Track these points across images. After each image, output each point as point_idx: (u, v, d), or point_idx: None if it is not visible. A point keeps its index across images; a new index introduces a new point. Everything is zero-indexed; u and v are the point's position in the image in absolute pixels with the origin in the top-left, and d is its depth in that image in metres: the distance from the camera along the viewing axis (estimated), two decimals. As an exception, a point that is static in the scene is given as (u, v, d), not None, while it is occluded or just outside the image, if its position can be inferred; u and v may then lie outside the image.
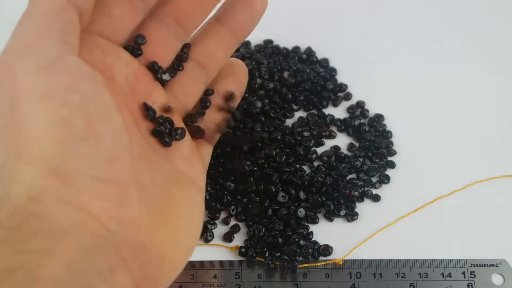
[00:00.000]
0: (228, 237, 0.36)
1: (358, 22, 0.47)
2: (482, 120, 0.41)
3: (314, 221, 0.36)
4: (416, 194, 0.38)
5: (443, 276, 0.34)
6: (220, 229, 0.37)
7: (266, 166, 0.37)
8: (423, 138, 0.40)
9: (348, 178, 0.38)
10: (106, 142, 0.22)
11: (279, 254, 0.35)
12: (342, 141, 0.41)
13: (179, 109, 0.30)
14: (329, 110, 0.42)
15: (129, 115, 0.26)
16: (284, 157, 0.38)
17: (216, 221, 0.37)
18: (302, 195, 0.37)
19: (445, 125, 0.41)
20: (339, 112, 0.42)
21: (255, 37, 0.45)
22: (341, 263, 0.35)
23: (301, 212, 0.36)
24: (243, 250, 0.35)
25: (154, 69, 0.29)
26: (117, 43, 0.27)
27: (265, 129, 0.39)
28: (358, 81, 0.43)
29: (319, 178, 0.37)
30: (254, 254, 0.35)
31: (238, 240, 0.36)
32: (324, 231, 0.36)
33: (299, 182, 0.37)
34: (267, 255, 0.35)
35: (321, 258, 0.35)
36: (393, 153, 0.39)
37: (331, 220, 0.37)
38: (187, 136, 0.29)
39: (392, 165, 0.39)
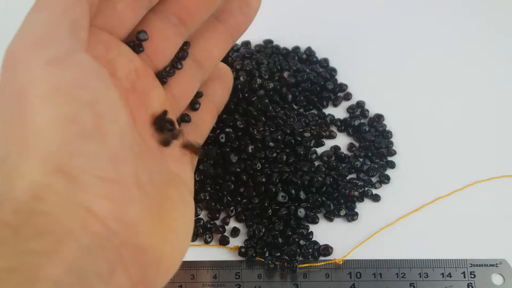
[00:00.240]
0: (224, 241, 0.36)
1: (358, 22, 0.47)
2: (482, 120, 0.41)
3: (314, 221, 0.36)
4: (416, 194, 0.38)
5: (443, 276, 0.34)
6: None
7: (266, 166, 0.37)
8: (423, 138, 0.40)
9: (348, 178, 0.38)
10: (112, 141, 0.22)
11: (279, 254, 0.35)
12: (342, 141, 0.41)
13: (174, 110, 0.30)
14: (329, 110, 0.42)
15: (129, 113, 0.26)
16: (284, 156, 0.38)
17: (216, 221, 0.37)
18: (302, 195, 0.37)
19: (445, 125, 0.41)
20: (339, 112, 0.42)
21: (255, 37, 0.45)
22: (341, 263, 0.35)
23: (301, 212, 0.36)
24: (243, 250, 0.35)
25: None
26: (119, 38, 0.27)
27: (266, 129, 0.39)
28: (358, 81, 0.43)
29: (319, 178, 0.37)
30: (254, 254, 0.35)
31: (238, 240, 0.36)
32: (324, 231, 0.36)
33: (299, 182, 0.37)
34: (267, 255, 0.35)
35: (321, 258, 0.35)
36: (393, 153, 0.39)
37: (331, 220, 0.37)
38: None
39: (392, 165, 0.39)
